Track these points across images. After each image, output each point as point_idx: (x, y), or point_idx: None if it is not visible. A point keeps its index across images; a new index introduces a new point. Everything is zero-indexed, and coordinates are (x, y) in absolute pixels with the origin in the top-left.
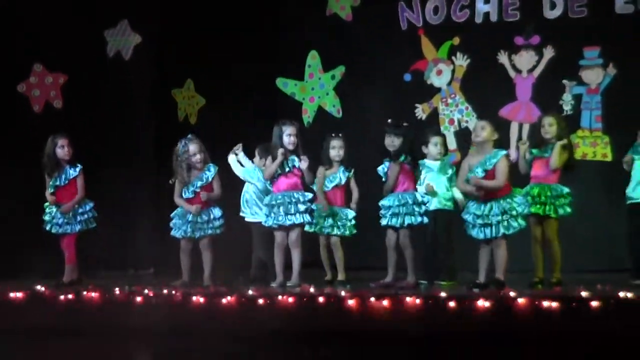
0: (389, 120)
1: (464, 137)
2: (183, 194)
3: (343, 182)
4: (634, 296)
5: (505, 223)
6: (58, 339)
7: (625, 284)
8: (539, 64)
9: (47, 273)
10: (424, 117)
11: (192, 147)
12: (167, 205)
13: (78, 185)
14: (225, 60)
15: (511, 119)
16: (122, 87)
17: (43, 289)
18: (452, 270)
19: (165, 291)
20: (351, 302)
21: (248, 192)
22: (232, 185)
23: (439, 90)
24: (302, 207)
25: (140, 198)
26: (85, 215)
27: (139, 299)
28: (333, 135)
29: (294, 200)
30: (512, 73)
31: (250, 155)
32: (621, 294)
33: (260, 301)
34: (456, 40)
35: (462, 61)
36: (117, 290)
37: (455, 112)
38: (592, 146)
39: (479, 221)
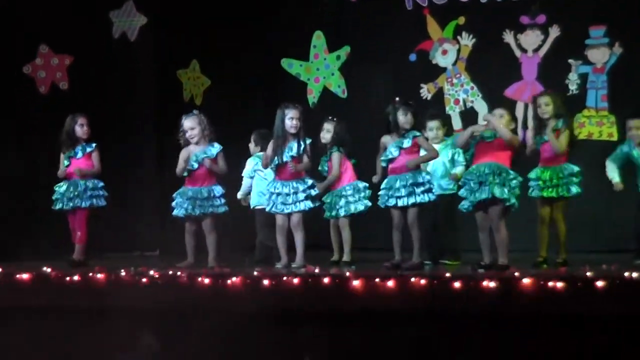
0: (397, 98)
1: (469, 117)
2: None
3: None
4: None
5: (497, 187)
6: (64, 320)
7: (629, 265)
8: (545, 43)
9: (52, 255)
10: (429, 97)
11: (187, 122)
12: (172, 187)
13: (94, 160)
14: (230, 41)
15: (517, 99)
16: (127, 68)
17: (49, 270)
18: (456, 251)
19: (170, 272)
20: (356, 283)
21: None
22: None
23: (444, 70)
24: (301, 196)
25: (145, 180)
26: (96, 192)
27: (144, 280)
28: (329, 118)
29: (292, 190)
30: (517, 52)
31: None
32: (626, 274)
33: (265, 282)
34: (461, 20)
35: (467, 41)
36: (122, 272)
37: (461, 92)
38: (598, 125)
39: (475, 180)
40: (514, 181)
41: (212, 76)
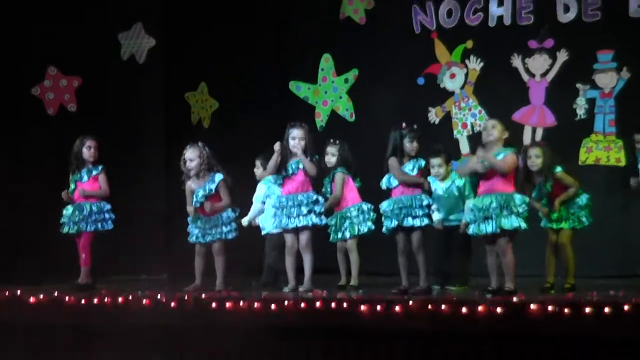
0: (404, 124)
1: (477, 141)
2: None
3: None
4: None
5: (504, 219)
6: (70, 342)
7: (636, 289)
8: (553, 67)
9: (61, 277)
10: (437, 120)
11: (188, 153)
12: (179, 210)
13: (101, 183)
14: (238, 64)
15: (524, 123)
16: (136, 90)
17: (56, 293)
18: (464, 276)
19: (177, 295)
20: (363, 307)
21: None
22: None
23: (452, 93)
24: (304, 210)
25: (153, 202)
26: (102, 216)
27: (151, 302)
28: (331, 141)
29: (296, 202)
30: (525, 77)
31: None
32: (634, 299)
33: (273, 306)
34: (469, 44)
35: (475, 65)
36: (129, 295)
37: (469, 115)
38: (606, 150)
39: (480, 214)
40: (522, 206)
41: (220, 98)
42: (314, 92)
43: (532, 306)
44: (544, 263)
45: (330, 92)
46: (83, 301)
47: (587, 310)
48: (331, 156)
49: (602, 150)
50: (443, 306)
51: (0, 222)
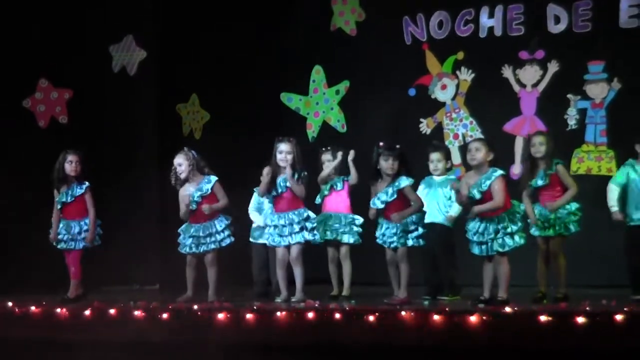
0: (381, 143)
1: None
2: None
3: (338, 188)
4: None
5: (500, 241)
6: (61, 353)
7: (627, 300)
8: (544, 78)
9: (52, 288)
10: (428, 131)
11: (176, 160)
12: (172, 221)
13: (87, 204)
14: (230, 76)
15: (516, 134)
16: (127, 102)
17: (44, 303)
18: (455, 286)
19: (169, 306)
20: (354, 317)
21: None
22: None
23: (443, 104)
24: (296, 227)
25: (145, 213)
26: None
27: (143, 314)
28: (323, 149)
29: (288, 221)
30: (516, 87)
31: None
32: (626, 309)
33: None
34: (460, 55)
35: (466, 76)
36: (121, 306)
37: (460, 126)
38: (597, 161)
39: (476, 238)
40: (519, 224)
41: (212, 110)
42: (305, 104)
43: (524, 316)
44: (532, 271)
45: (321, 103)
46: (73, 311)
47: (580, 320)
48: (327, 162)
49: (593, 160)
50: (434, 316)
51: None
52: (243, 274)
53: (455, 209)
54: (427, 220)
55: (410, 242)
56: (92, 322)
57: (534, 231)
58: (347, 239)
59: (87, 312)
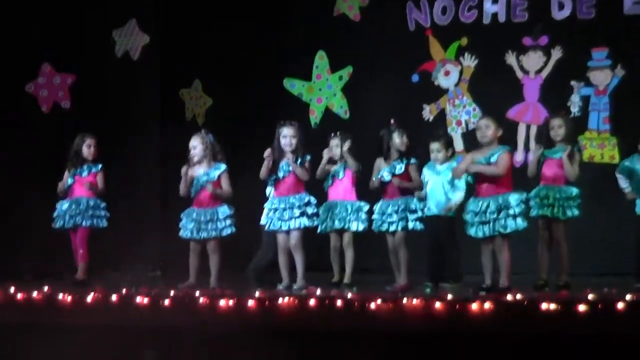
0: (392, 120)
1: (471, 138)
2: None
3: (340, 176)
4: None
5: (502, 222)
6: (63, 338)
7: (629, 288)
8: (547, 64)
9: (55, 274)
10: (431, 118)
11: (191, 141)
12: (175, 207)
13: (99, 181)
14: (233, 61)
15: (519, 120)
16: (130, 87)
17: (46, 288)
18: (457, 273)
19: (171, 292)
20: (356, 304)
21: None
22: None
23: (446, 91)
24: (297, 212)
25: (148, 199)
26: (98, 212)
27: (145, 300)
28: (332, 134)
29: (288, 205)
30: (519, 74)
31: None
32: (628, 297)
33: (266, 303)
34: (464, 41)
35: (469, 62)
36: (123, 291)
37: (463, 113)
38: (600, 148)
39: (477, 219)
40: (520, 206)
41: (215, 95)
42: (308, 90)
43: (527, 303)
44: (534, 259)
45: (324, 89)
46: (78, 297)
47: (582, 308)
48: (335, 148)
49: (596, 147)
50: (435, 303)
51: None
52: (245, 261)
53: (456, 197)
54: (429, 207)
55: (410, 225)
56: (95, 307)
57: (533, 211)
58: (356, 226)
59: (90, 297)
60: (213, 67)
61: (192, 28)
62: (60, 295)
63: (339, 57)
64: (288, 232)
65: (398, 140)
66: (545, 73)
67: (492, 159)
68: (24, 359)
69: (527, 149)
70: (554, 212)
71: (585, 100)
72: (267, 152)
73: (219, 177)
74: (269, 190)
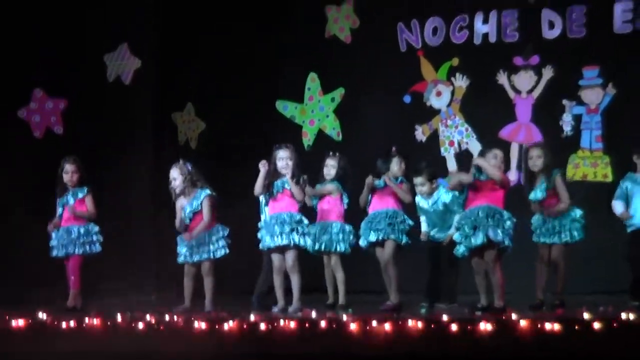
0: (394, 147)
1: (464, 159)
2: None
3: (335, 195)
4: (637, 318)
5: (492, 230)
6: None
7: (624, 306)
8: (539, 84)
9: (50, 301)
10: (424, 139)
11: (171, 173)
12: (167, 231)
13: (88, 205)
14: (225, 84)
15: (511, 140)
16: (122, 111)
17: (44, 315)
18: (452, 293)
19: (166, 317)
20: (353, 327)
21: None
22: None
23: (438, 111)
24: (287, 228)
25: (141, 223)
26: (90, 238)
27: (140, 325)
28: (331, 154)
29: (279, 221)
30: (511, 94)
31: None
32: (623, 316)
33: (262, 326)
34: (455, 61)
35: (461, 82)
36: (119, 317)
37: (455, 133)
38: (593, 166)
39: (469, 225)
40: (508, 222)
41: (207, 119)
42: (300, 112)
43: (522, 323)
44: (529, 278)
45: (317, 111)
46: (72, 323)
47: (578, 327)
48: (331, 168)
49: (589, 166)
50: (432, 324)
51: None
52: (240, 283)
53: (451, 232)
54: (431, 232)
55: (393, 235)
56: (90, 332)
57: (539, 238)
58: (340, 247)
59: (85, 322)
60: (206, 90)
61: (185, 52)
62: (51, 322)
63: (331, 78)
64: (282, 252)
65: (396, 167)
66: (537, 92)
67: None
68: None
69: (520, 169)
70: (562, 238)
71: (577, 119)
72: (263, 162)
73: (201, 204)
74: (265, 212)
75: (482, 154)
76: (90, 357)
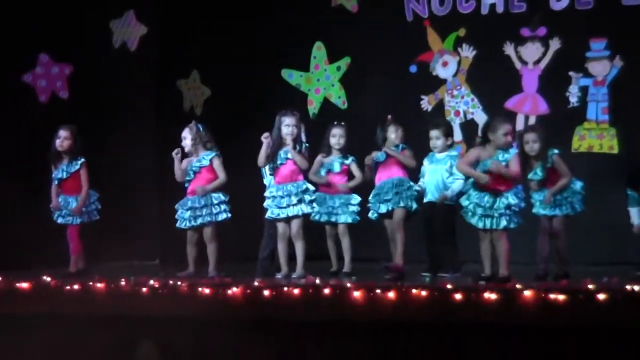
0: (390, 116)
1: (469, 128)
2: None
3: (336, 169)
4: None
5: (508, 218)
6: (63, 328)
7: (630, 277)
8: (545, 55)
9: (54, 263)
10: (429, 108)
11: (183, 133)
12: (172, 197)
13: (82, 180)
14: (231, 52)
15: (517, 111)
16: (128, 77)
17: (49, 279)
18: (456, 262)
19: (170, 282)
20: (357, 294)
21: None
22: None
23: (444, 81)
24: (294, 199)
25: (145, 189)
26: (89, 207)
27: (144, 289)
28: (335, 123)
29: (286, 193)
30: (518, 65)
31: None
32: (628, 287)
33: (266, 292)
34: (462, 32)
35: (468, 52)
36: (122, 281)
37: (461, 103)
38: (599, 138)
39: (480, 211)
40: (521, 204)
41: (213, 86)
42: (306, 80)
43: (527, 293)
44: (534, 248)
45: (322, 80)
46: (76, 286)
47: (582, 297)
48: (340, 137)
49: (595, 138)
50: (435, 292)
51: None
52: (245, 250)
53: (455, 186)
54: (427, 197)
55: (402, 203)
56: (93, 296)
57: (540, 210)
58: (344, 219)
59: (88, 286)
60: (211, 57)
61: (190, 19)
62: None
63: (337, 47)
64: (288, 220)
65: (393, 135)
66: (543, 64)
67: (502, 161)
68: (17, 348)
69: None
70: (563, 210)
71: (584, 90)
72: (265, 135)
73: (211, 164)
74: (269, 180)
75: (489, 126)
76: (94, 321)
